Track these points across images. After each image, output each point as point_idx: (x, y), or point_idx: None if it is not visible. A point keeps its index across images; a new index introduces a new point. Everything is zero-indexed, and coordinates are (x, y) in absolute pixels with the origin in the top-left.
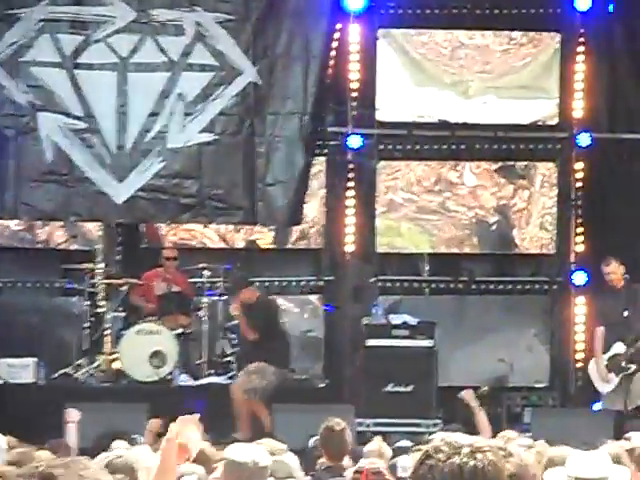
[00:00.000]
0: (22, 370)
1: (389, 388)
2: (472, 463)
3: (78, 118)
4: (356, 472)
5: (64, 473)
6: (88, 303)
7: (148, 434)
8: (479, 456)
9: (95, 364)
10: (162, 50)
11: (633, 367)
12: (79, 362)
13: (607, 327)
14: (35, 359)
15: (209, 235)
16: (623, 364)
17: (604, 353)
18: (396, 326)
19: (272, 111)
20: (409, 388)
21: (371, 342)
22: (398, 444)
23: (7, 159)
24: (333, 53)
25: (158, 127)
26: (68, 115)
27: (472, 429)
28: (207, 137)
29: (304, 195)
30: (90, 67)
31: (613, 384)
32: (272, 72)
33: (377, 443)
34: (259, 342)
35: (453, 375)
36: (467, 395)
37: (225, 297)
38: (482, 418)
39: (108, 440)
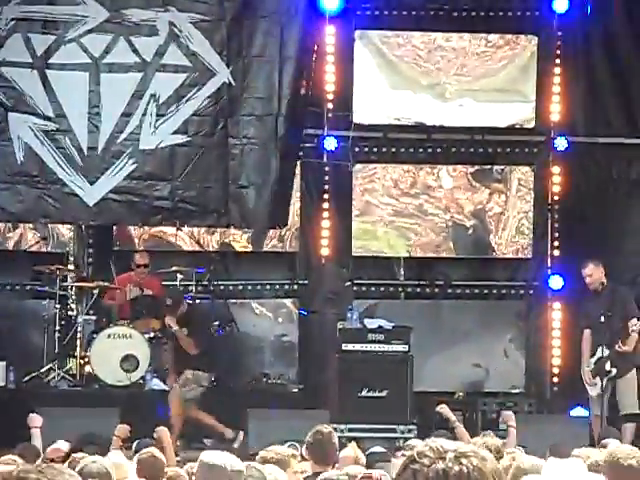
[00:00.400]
0: None
1: (364, 393)
2: (457, 468)
3: (49, 119)
4: (364, 477)
5: (38, 478)
6: (59, 306)
7: (115, 440)
8: (464, 461)
9: (66, 368)
10: (135, 50)
11: (614, 371)
12: (50, 366)
13: (591, 330)
14: (4, 362)
15: (182, 237)
16: (607, 367)
17: (591, 357)
18: (371, 330)
19: (246, 113)
20: (384, 393)
21: (346, 347)
22: (371, 450)
23: None
24: (309, 54)
25: (130, 128)
26: (39, 116)
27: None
28: (180, 139)
29: (284, 198)
30: (62, 67)
31: (598, 388)
32: (246, 73)
33: (352, 449)
34: (199, 353)
35: (428, 380)
36: (444, 410)
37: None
38: (461, 431)
39: (81, 444)
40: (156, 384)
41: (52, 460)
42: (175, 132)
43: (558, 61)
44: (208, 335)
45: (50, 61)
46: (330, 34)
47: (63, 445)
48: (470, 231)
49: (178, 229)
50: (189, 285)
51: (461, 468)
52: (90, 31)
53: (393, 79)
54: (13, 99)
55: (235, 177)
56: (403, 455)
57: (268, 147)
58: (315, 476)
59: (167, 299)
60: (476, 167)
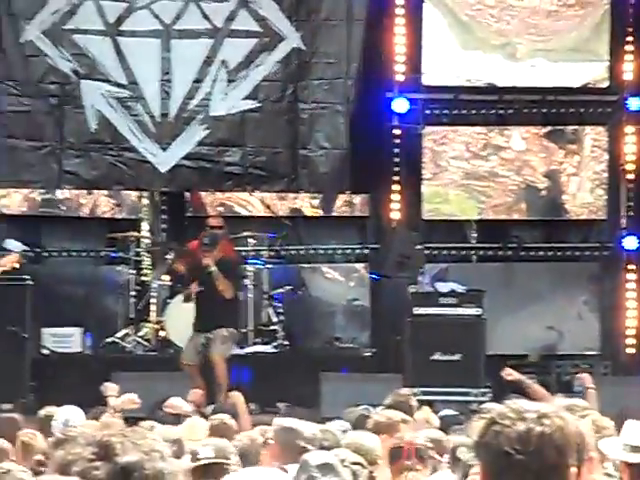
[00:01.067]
0: (68, 340)
1: (436, 357)
2: (539, 429)
3: (122, 86)
4: (395, 447)
5: (122, 441)
6: (133, 272)
7: (189, 405)
8: (546, 421)
9: (141, 333)
10: (205, 16)
11: None
12: (125, 331)
13: None
14: (81, 329)
15: (254, 203)
16: None
17: None
18: (443, 294)
19: (315, 77)
20: (457, 356)
21: (418, 310)
22: (441, 413)
23: (51, 128)
24: (378, 16)
25: (201, 95)
26: (111, 83)
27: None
28: (250, 104)
29: (354, 162)
30: (133, 34)
31: None
32: (316, 37)
33: (426, 412)
34: (231, 300)
35: (502, 343)
36: (511, 376)
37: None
38: (536, 388)
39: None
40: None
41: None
42: (245, 98)
43: (631, 20)
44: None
45: (122, 28)
46: None
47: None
48: (543, 192)
49: (250, 194)
50: (261, 250)
51: (543, 429)
52: None
53: (464, 39)
54: (86, 67)
55: (305, 142)
56: (481, 418)
57: (338, 111)
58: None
59: (205, 239)
60: (548, 128)
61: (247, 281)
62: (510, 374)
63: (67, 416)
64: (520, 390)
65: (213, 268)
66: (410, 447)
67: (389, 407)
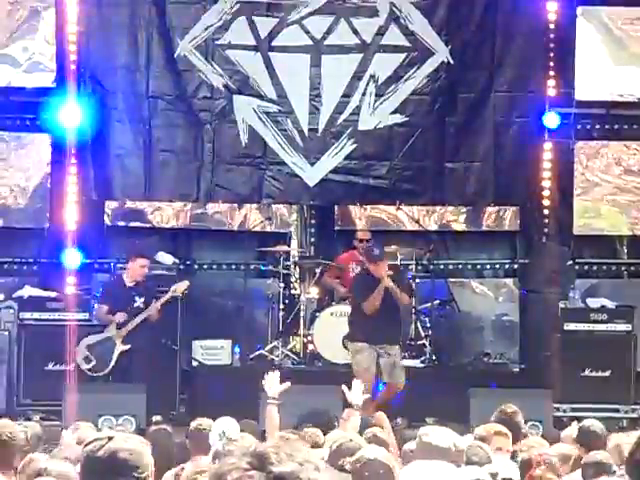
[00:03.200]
0: (218, 352)
1: (586, 373)
2: None
3: (272, 101)
4: (525, 461)
5: (277, 452)
6: (283, 285)
7: (342, 423)
8: None
9: (290, 346)
10: (355, 31)
11: None
12: (274, 344)
13: None
14: (230, 341)
15: (401, 218)
16: None
17: None
18: (594, 310)
19: (464, 91)
20: (607, 373)
21: (568, 326)
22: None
23: (203, 142)
24: (530, 30)
25: (350, 109)
26: (262, 98)
27: None
28: (398, 118)
29: (503, 176)
30: (284, 49)
31: None
32: (464, 52)
33: (574, 428)
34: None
35: None
36: None
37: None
38: None
39: (309, 421)
40: None
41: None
42: (393, 112)
43: None
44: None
45: (273, 43)
46: (552, 10)
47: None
48: None
49: (398, 209)
50: (409, 264)
51: None
52: (312, 13)
53: (617, 54)
54: (238, 82)
55: (452, 155)
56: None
57: (486, 125)
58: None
59: (374, 249)
60: None
61: None
62: None
63: (223, 428)
64: None
65: (388, 280)
66: (539, 460)
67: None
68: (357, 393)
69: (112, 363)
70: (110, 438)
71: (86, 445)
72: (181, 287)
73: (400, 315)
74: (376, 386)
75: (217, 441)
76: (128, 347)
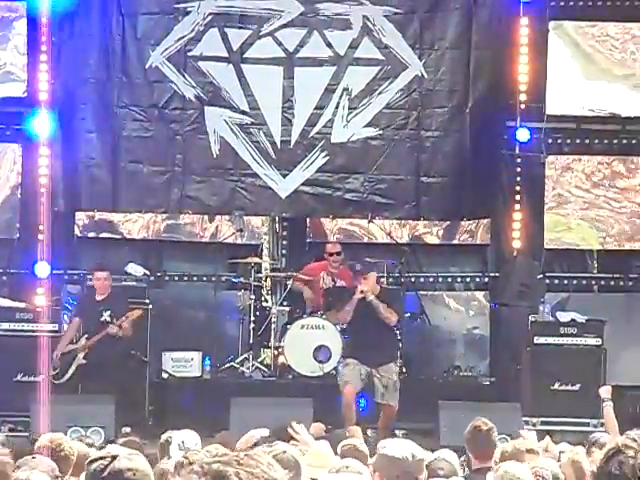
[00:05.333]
0: (188, 364)
1: (556, 386)
2: None
3: (244, 112)
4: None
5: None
6: (253, 297)
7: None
8: None
9: (260, 358)
10: (329, 44)
11: None
12: (244, 356)
13: None
14: (200, 353)
15: (373, 230)
16: None
17: None
18: (564, 324)
19: (438, 105)
20: (577, 387)
21: (538, 340)
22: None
23: (174, 153)
24: (502, 46)
25: (323, 122)
26: (234, 109)
27: None
28: (371, 132)
29: (476, 190)
30: (257, 61)
31: None
32: (439, 66)
33: (546, 442)
34: (389, 328)
35: (622, 374)
36: (603, 391)
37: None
38: (609, 413)
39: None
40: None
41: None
42: (367, 125)
43: None
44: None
45: (245, 55)
46: (524, 25)
47: (259, 433)
48: None
49: (369, 221)
50: (381, 277)
51: None
52: (285, 25)
53: (587, 69)
54: (210, 93)
55: (427, 169)
56: (595, 449)
57: (460, 139)
58: (476, 472)
59: (356, 265)
60: None
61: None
62: (605, 390)
63: (183, 439)
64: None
65: (372, 297)
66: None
67: (467, 440)
68: (304, 434)
69: (69, 374)
70: (114, 457)
71: (90, 463)
72: (136, 314)
73: (393, 332)
74: (358, 401)
75: (177, 452)
76: (85, 362)
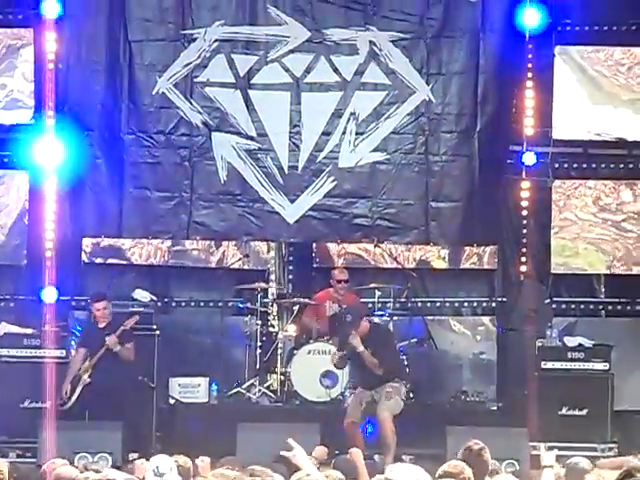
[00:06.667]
0: (195, 389)
1: (564, 411)
2: None
3: (251, 138)
4: None
5: None
6: (260, 322)
7: (312, 460)
8: None
9: (267, 384)
10: (335, 69)
11: None
12: (251, 382)
13: None
14: (207, 378)
15: (380, 255)
16: None
17: None
18: (571, 348)
19: (446, 129)
20: (584, 412)
21: (545, 365)
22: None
23: (181, 179)
24: (509, 71)
25: (330, 147)
26: (242, 135)
27: None
28: (379, 156)
29: (485, 215)
30: (264, 87)
31: None
32: (446, 90)
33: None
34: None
35: (630, 399)
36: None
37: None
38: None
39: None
40: None
41: None
42: (374, 150)
43: None
44: (392, 353)
45: (252, 81)
46: (530, 50)
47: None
48: None
49: (376, 246)
50: (387, 302)
51: None
52: (292, 51)
53: (593, 94)
54: (217, 119)
55: (435, 194)
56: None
57: (469, 164)
58: None
59: (347, 315)
60: None
61: None
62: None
63: (158, 464)
64: None
65: (361, 348)
66: None
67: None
68: (300, 455)
69: (75, 395)
70: None
71: None
72: (131, 321)
73: (393, 352)
74: (363, 427)
75: (152, 477)
76: (89, 381)
